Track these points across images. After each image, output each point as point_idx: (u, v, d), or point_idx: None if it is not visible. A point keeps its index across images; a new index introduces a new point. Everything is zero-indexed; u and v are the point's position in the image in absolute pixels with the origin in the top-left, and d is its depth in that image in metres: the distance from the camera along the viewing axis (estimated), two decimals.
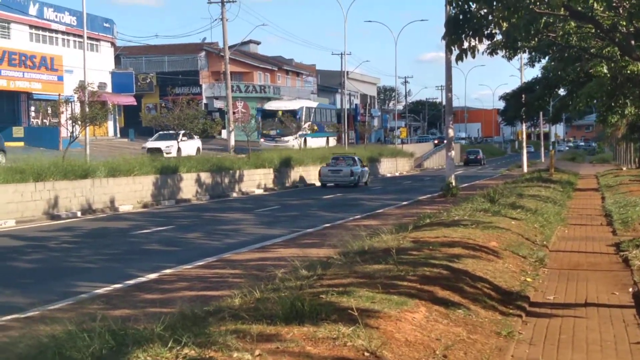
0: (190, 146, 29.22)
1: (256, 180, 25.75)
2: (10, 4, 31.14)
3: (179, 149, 26.73)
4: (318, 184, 28.37)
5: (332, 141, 44.44)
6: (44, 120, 33.04)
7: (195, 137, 29.04)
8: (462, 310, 5.08)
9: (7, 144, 23.82)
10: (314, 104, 44.83)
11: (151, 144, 28.63)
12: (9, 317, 5.73)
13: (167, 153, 26.37)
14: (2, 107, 31.55)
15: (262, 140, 36.55)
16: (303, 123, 36.98)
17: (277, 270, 5.67)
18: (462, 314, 5.01)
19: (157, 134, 29.71)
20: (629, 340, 4.83)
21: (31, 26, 33.99)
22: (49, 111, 25.19)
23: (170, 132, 26.21)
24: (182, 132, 26.12)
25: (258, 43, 53.17)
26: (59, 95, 28.88)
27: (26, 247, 11.38)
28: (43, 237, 12.61)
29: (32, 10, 33.24)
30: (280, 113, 36.06)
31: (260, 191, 25.39)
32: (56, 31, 35.72)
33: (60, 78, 32.78)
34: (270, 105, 40.59)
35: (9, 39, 32.28)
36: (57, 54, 33.68)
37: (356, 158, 29.21)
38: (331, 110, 48.80)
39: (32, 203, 15.39)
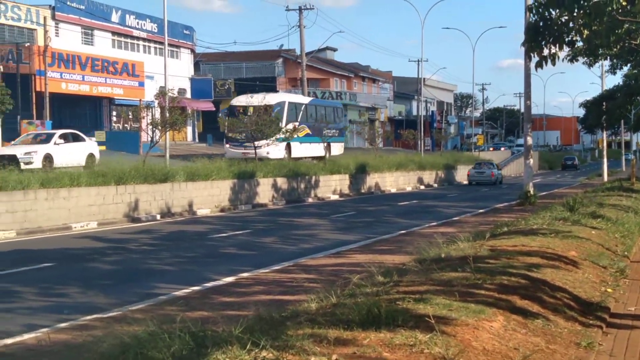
0: None
1: (332, 186, 26.07)
2: (93, 11, 32.83)
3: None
4: (393, 190, 29.82)
5: (337, 148, 32.68)
6: (125, 125, 34.46)
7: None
8: (540, 320, 4.99)
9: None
10: (304, 99, 32.37)
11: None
12: (91, 317, 6.04)
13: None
14: (85, 112, 33.48)
15: (227, 146, 27.40)
16: (284, 123, 26.10)
17: (352, 276, 5.81)
18: (541, 324, 4.92)
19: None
20: None
21: (114, 33, 35.56)
22: (130, 116, 25.58)
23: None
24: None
25: (335, 50, 52.79)
26: (140, 100, 30.56)
27: (107, 249, 11.75)
28: (123, 239, 13.04)
29: (115, 17, 34.85)
30: (251, 110, 25.99)
31: (335, 197, 25.69)
32: (137, 38, 37.03)
33: (142, 84, 34.15)
34: (238, 101, 29.25)
35: (93, 45, 33.92)
36: (139, 61, 35.05)
37: (494, 163, 37.49)
38: (336, 108, 34.91)
39: (113, 206, 15.93)
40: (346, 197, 26.16)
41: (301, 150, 29.20)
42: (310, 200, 23.99)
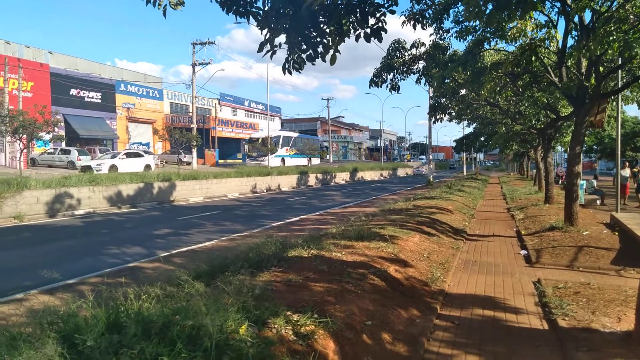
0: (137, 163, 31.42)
1: (342, 177, 45.31)
2: (236, 100, 65.24)
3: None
4: (369, 179, 51.71)
5: (315, 160, 54.27)
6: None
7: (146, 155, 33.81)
8: (435, 237, 10.23)
9: (233, 161, 51.68)
10: (293, 134, 54.42)
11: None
12: (235, 235, 12.05)
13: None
14: (232, 145, 58.38)
15: (248, 160, 45.67)
16: (280, 147, 46.54)
17: (351, 217, 11.67)
18: (436, 239, 10.17)
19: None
20: (513, 251, 9.46)
21: (245, 110, 67.17)
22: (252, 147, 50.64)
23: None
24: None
25: (342, 117, 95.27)
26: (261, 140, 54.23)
27: (242, 205, 21.12)
28: (249, 201, 23.47)
29: (246, 102, 67.50)
30: (260, 140, 45.25)
31: (343, 182, 43.94)
32: (255, 111, 69.19)
33: (257, 132, 56.37)
34: (256, 135, 49.82)
35: (236, 115, 63.94)
36: (256, 122, 64.28)
37: (418, 167, 71.13)
38: (314, 139, 59.25)
39: (245, 186, 29.08)
40: (347, 182, 44.12)
41: (291, 162, 48.08)
42: (332, 184, 41.09)
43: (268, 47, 4.52)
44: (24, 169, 25.17)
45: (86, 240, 11.62)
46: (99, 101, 42.77)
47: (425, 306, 5.81)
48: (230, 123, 56.17)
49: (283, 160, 46.99)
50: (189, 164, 39.50)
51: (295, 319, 4.19)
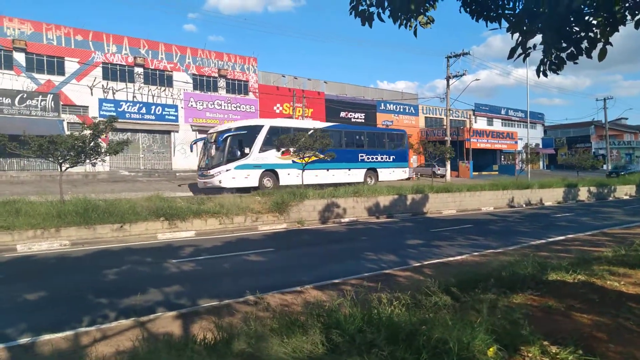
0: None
1: (624, 191, 36.77)
2: (492, 110, 64.04)
3: None
4: None
5: (356, 175, 26.64)
6: (508, 162, 55.67)
7: None
8: None
9: (488, 173, 51.11)
10: (278, 123, 25.36)
11: None
12: (486, 251, 11.21)
13: None
14: (488, 156, 56.36)
15: (198, 179, 23.14)
16: (249, 150, 22.03)
17: (635, 240, 9.45)
18: None
19: None
20: None
21: (502, 119, 65.38)
22: (510, 158, 48.16)
23: None
24: None
25: (626, 118, 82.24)
26: (514, 150, 52.73)
27: (496, 220, 19.73)
28: (504, 215, 21.86)
29: (502, 111, 65.68)
30: (213, 137, 22.33)
31: (626, 197, 35.64)
32: (512, 119, 66.78)
33: (515, 142, 55.24)
34: (216, 128, 24.50)
35: (492, 125, 62.87)
36: (514, 131, 59.36)
37: None
38: (342, 131, 27.95)
39: (501, 200, 27.07)
40: (632, 197, 35.63)
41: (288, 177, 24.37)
42: (610, 198, 34.12)
43: (520, 50, 4.23)
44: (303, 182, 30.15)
45: (350, 246, 13.04)
46: (363, 120, 47.80)
47: None
48: (485, 133, 53.92)
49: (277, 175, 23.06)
50: (442, 176, 39.84)
51: (554, 351, 3.75)
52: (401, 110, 52.58)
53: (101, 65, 33.90)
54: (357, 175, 26.70)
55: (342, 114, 46.36)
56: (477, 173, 49.44)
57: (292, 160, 22.94)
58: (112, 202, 14.74)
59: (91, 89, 33.30)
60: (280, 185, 22.49)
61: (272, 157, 22.93)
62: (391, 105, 51.64)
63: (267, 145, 22.80)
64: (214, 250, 11.78)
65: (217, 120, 38.46)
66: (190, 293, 7.59)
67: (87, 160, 15.47)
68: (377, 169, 27.92)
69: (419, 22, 4.87)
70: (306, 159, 21.96)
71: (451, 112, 46.47)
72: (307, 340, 3.52)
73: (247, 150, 22.29)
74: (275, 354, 3.28)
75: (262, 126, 23.41)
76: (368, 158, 27.52)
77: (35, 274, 9.33)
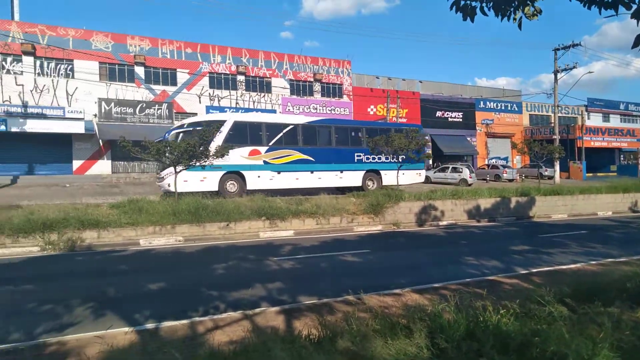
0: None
1: None
2: (608, 105, 57.01)
3: None
4: None
5: (352, 178, 22.20)
6: (627, 162, 52.70)
7: None
8: None
9: (605, 174, 46.08)
10: (244, 117, 22.06)
11: None
12: (606, 260, 10.28)
13: None
14: (604, 155, 51.26)
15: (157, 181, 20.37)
16: (200, 148, 16.87)
17: None
18: None
19: None
20: None
21: (621, 115, 58.51)
22: (632, 157, 43.74)
23: None
24: None
25: None
26: (637, 148, 48.67)
27: (616, 226, 17.90)
28: (626, 221, 19.74)
29: (621, 106, 58.57)
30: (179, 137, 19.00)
31: None
32: (632, 115, 59.70)
33: (637, 140, 49.99)
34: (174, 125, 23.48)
35: (609, 122, 55.60)
36: (635, 127, 53.63)
37: None
38: (333, 127, 23.16)
39: (621, 204, 24.71)
40: None
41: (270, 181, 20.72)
42: None
43: None
44: (399, 183, 29.84)
45: (449, 250, 12.62)
46: (460, 120, 46.02)
47: None
48: (601, 131, 48.69)
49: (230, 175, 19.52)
50: (550, 177, 36.93)
51: None
52: (502, 108, 49.58)
53: (208, 75, 36.58)
54: (352, 178, 22.23)
55: (438, 114, 45.02)
56: (591, 174, 44.95)
57: (264, 161, 19.93)
58: (219, 202, 15.80)
59: (199, 97, 36.06)
60: (248, 189, 19.27)
61: (237, 157, 19.38)
62: (491, 103, 48.95)
63: (230, 144, 18.89)
64: (311, 250, 12.11)
65: None
66: (290, 290, 7.89)
67: (198, 163, 16.77)
68: (381, 171, 23.18)
69: (525, 14, 4.61)
70: (282, 159, 19.67)
71: (560, 108, 42.78)
72: (412, 343, 3.49)
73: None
74: (379, 354, 3.30)
75: (224, 121, 19.57)
76: (368, 158, 22.73)
77: (156, 266, 10.34)
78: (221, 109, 36.42)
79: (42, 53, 30.86)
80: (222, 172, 19.10)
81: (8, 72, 30.26)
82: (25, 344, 5.04)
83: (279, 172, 20.08)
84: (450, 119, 45.62)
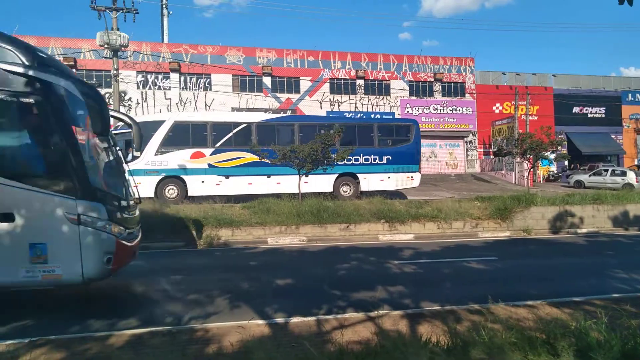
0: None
1: None
2: None
3: None
4: None
5: (319, 183, 19.50)
6: None
7: None
8: None
9: None
10: (187, 117, 19.33)
11: None
12: None
13: None
14: None
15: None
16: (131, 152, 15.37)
17: None
18: None
19: None
20: None
21: None
22: None
23: None
24: None
25: None
26: None
27: None
28: None
29: None
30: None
31: None
32: None
33: None
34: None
35: None
36: None
37: None
38: (296, 124, 20.32)
39: None
40: None
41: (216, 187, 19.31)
42: None
43: None
44: (530, 186, 27.57)
45: (590, 260, 11.33)
46: (602, 116, 41.03)
47: None
48: None
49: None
50: None
51: None
52: None
53: (328, 80, 37.76)
54: (320, 183, 19.60)
55: (575, 110, 40.65)
56: None
57: (209, 164, 18.48)
58: (339, 204, 16.19)
59: (320, 103, 37.38)
60: (191, 196, 18.25)
61: (178, 160, 18.19)
62: None
63: (169, 146, 18.08)
64: (433, 255, 11.79)
65: (432, 124, 38.42)
66: (412, 294, 7.77)
67: (320, 167, 17.42)
68: (358, 175, 20.19)
69: None
70: (231, 162, 18.13)
71: None
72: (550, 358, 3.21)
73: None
74: None
75: (162, 122, 18.41)
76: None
77: (282, 263, 10.96)
78: (340, 114, 37.32)
79: (186, 69, 34.75)
80: (159, 177, 18.02)
81: (159, 88, 34.65)
82: (177, 327, 5.72)
83: (227, 177, 18.67)
84: (590, 115, 40.93)
